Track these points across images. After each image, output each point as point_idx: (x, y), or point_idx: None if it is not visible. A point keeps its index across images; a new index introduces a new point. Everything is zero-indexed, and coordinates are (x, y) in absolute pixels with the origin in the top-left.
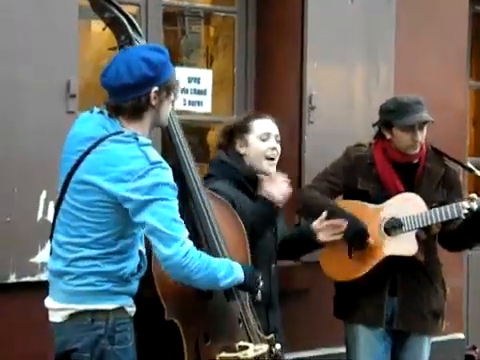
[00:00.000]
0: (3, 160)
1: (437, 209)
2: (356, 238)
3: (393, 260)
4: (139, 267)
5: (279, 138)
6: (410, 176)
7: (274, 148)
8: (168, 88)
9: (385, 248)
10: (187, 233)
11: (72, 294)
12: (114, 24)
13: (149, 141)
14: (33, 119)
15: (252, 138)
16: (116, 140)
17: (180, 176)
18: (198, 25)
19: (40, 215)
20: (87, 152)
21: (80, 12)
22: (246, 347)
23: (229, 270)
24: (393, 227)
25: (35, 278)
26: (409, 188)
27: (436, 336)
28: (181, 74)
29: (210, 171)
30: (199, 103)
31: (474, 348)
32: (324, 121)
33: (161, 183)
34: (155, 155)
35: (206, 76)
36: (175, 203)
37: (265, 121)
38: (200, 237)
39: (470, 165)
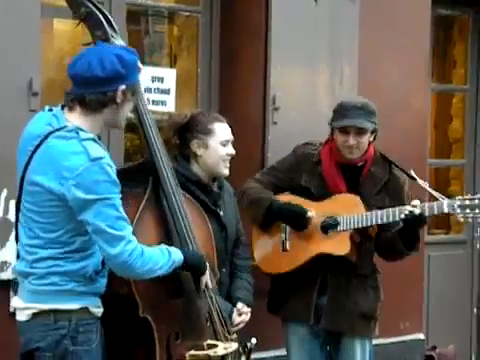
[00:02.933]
0: None
1: (374, 212)
2: (297, 218)
3: (326, 259)
4: (103, 263)
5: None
6: (355, 178)
7: (232, 154)
8: (134, 89)
9: (318, 245)
10: (130, 227)
11: (36, 293)
12: (90, 19)
13: (91, 135)
14: None
15: (213, 142)
16: (58, 136)
17: (155, 174)
18: (162, 25)
19: (0, 214)
20: (34, 151)
21: (42, 11)
22: (215, 345)
23: (167, 257)
24: (329, 225)
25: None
26: (352, 189)
27: (369, 338)
28: (145, 73)
29: None
30: (163, 103)
31: (434, 348)
32: (287, 122)
33: (102, 180)
34: (96, 150)
35: (170, 75)
36: (118, 200)
37: (225, 126)
38: (173, 235)
39: (413, 174)
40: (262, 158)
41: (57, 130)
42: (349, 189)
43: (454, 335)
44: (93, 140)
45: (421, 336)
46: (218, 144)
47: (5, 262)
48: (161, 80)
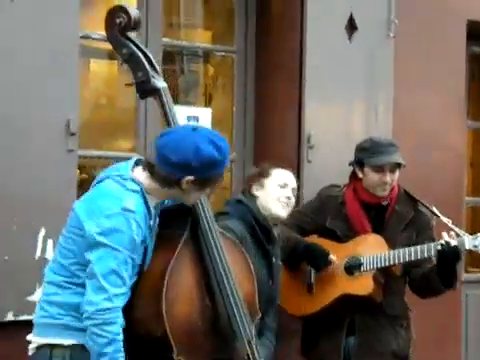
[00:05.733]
0: (2, 197)
1: (396, 250)
2: (317, 258)
3: (352, 300)
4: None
5: (296, 192)
6: (379, 217)
7: (289, 197)
8: (204, 183)
9: (342, 286)
10: (123, 290)
11: (37, 326)
12: (132, 60)
13: (138, 188)
14: (33, 157)
15: (269, 183)
16: (113, 179)
17: (193, 215)
18: (197, 64)
19: (38, 253)
20: (93, 187)
21: (80, 51)
22: None
23: (112, 355)
24: (353, 266)
25: (32, 317)
26: (377, 229)
27: None
28: (180, 112)
29: (225, 209)
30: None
31: None
32: (322, 160)
33: (121, 231)
34: (132, 203)
35: (205, 114)
36: (125, 256)
37: (286, 172)
38: (209, 273)
39: (435, 210)
40: (297, 196)
41: (117, 175)
42: (374, 228)
43: None
44: (139, 194)
45: None
46: (275, 185)
47: None
48: (196, 119)
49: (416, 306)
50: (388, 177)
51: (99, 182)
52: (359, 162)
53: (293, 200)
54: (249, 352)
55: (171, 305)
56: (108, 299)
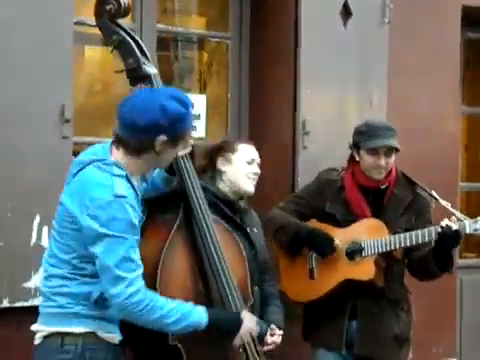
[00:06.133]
0: None
1: (398, 235)
2: (322, 244)
3: (354, 285)
4: None
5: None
6: (378, 201)
7: (257, 173)
8: (176, 140)
9: (344, 272)
10: (139, 272)
11: (45, 316)
12: (122, 47)
13: (123, 173)
14: (28, 144)
15: (236, 158)
16: (96, 166)
17: (186, 201)
18: (192, 50)
19: (34, 240)
20: (74, 175)
21: (74, 37)
22: None
23: (183, 315)
24: (354, 251)
25: (28, 303)
26: (376, 213)
27: None
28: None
29: None
30: (193, 128)
31: None
32: (317, 146)
33: (119, 218)
34: (122, 188)
35: (200, 101)
36: (130, 241)
37: (251, 147)
38: (203, 260)
39: (435, 194)
40: (292, 182)
41: (98, 160)
42: (373, 212)
43: None
44: (125, 178)
45: None
46: (242, 161)
47: (38, 288)
48: (192, 105)
49: (412, 290)
50: (383, 160)
51: (79, 170)
52: (356, 145)
53: (259, 172)
54: (250, 340)
55: (164, 291)
56: (129, 285)
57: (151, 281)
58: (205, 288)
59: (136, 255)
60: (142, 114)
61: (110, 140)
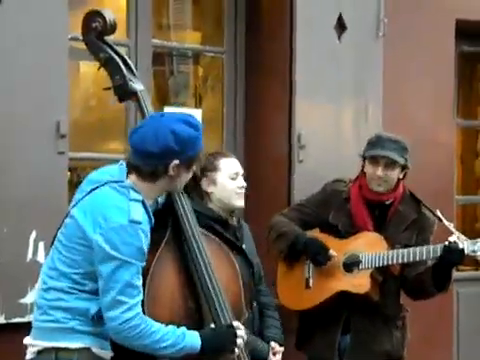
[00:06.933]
0: None
1: (396, 250)
2: (317, 253)
3: (349, 297)
4: None
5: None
6: (383, 216)
7: (243, 186)
8: (190, 163)
9: (339, 283)
10: (139, 298)
11: (40, 330)
12: (109, 64)
13: (140, 197)
14: (23, 159)
15: (221, 177)
16: (112, 187)
17: (174, 216)
18: (187, 65)
19: (30, 256)
20: (88, 193)
21: (70, 53)
22: None
23: (177, 340)
24: (351, 263)
25: (24, 319)
26: (379, 228)
27: None
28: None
29: None
30: None
31: None
32: (313, 160)
33: (131, 244)
34: (138, 214)
35: (195, 115)
36: (137, 267)
37: (232, 160)
38: (193, 277)
39: (439, 214)
40: (288, 196)
41: (114, 182)
42: (376, 227)
43: None
44: (141, 203)
45: None
46: (226, 178)
47: (34, 304)
48: None
49: (408, 304)
50: (380, 171)
51: (94, 189)
52: (363, 155)
53: (245, 185)
54: (236, 355)
55: (152, 308)
56: (128, 310)
57: None
58: (195, 304)
59: (139, 281)
60: (154, 142)
61: (121, 161)
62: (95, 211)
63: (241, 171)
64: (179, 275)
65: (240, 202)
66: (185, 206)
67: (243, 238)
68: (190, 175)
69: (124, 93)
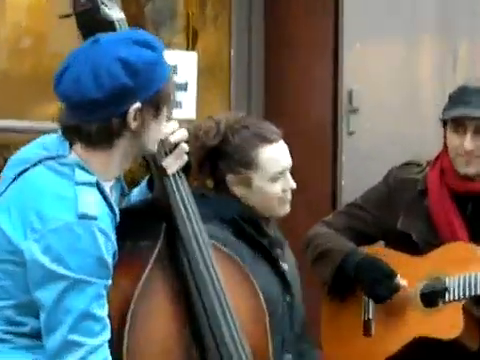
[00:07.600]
0: None
1: None
2: (377, 282)
3: (432, 346)
4: None
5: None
6: (478, 216)
7: (291, 188)
8: (157, 103)
9: (417, 325)
10: (105, 336)
11: None
12: None
13: (92, 179)
14: None
15: (259, 179)
16: (49, 166)
17: (169, 218)
18: None
19: None
20: (13, 181)
21: None
22: None
23: None
24: (433, 293)
25: None
26: (475, 235)
27: None
28: None
29: None
30: (177, 104)
31: None
32: (372, 132)
33: (85, 252)
34: (91, 204)
35: (187, 62)
36: (97, 287)
37: (277, 148)
38: (197, 314)
39: None
40: (333, 190)
41: (51, 158)
42: (471, 233)
43: None
44: (95, 187)
45: None
46: (266, 181)
47: None
48: (174, 69)
49: None
50: (469, 140)
51: (23, 171)
52: (442, 119)
53: (294, 186)
54: None
55: None
56: (87, 355)
57: (116, 346)
58: (199, 352)
59: (103, 310)
60: (95, 82)
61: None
62: (24, 207)
63: (289, 162)
64: (177, 310)
65: (285, 209)
66: (185, 198)
67: (283, 257)
68: (163, 124)
69: (93, 23)
